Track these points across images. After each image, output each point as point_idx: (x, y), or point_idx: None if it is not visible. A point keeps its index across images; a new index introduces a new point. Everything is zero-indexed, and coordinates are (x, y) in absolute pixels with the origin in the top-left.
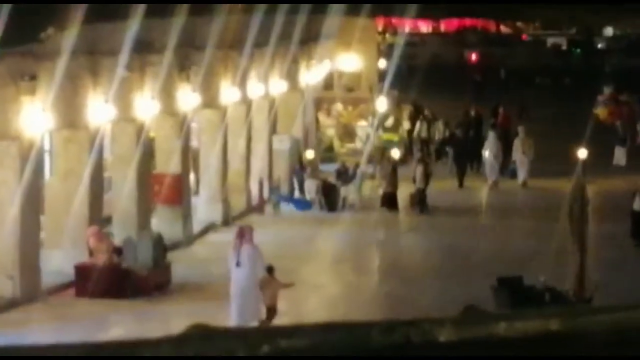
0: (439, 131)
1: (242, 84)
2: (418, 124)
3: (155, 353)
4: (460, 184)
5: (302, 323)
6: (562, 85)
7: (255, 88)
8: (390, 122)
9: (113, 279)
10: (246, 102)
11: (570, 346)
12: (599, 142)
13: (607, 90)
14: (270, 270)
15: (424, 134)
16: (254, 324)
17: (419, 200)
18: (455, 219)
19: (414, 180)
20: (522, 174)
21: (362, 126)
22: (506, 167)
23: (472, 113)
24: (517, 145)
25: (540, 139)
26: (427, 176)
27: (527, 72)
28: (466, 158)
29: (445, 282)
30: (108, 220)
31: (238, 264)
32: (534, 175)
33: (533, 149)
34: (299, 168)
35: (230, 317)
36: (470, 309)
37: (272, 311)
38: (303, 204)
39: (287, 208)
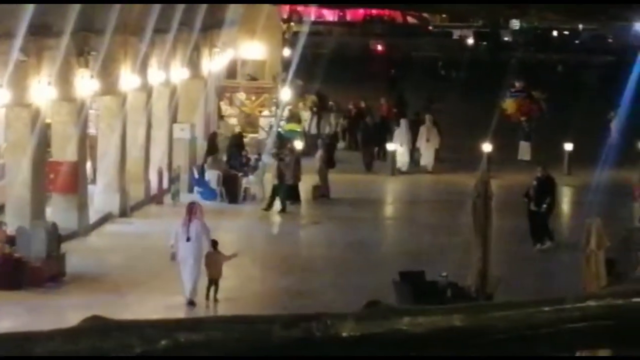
0: (330, 125)
1: (143, 70)
2: (308, 118)
3: (49, 346)
4: (368, 168)
5: (201, 317)
6: (467, 77)
7: (155, 75)
8: (286, 113)
9: (5, 269)
10: (146, 90)
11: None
12: (505, 136)
13: (518, 84)
14: (215, 244)
15: (313, 129)
16: (194, 296)
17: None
18: (359, 211)
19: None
20: (427, 162)
21: (265, 116)
22: (412, 156)
23: (363, 105)
24: (423, 133)
25: (445, 132)
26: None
27: (433, 64)
28: (373, 144)
29: (348, 276)
30: (1, 209)
31: (188, 239)
32: (439, 170)
33: (438, 138)
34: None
35: (184, 289)
36: (373, 304)
37: (216, 284)
38: (209, 193)
39: (187, 199)
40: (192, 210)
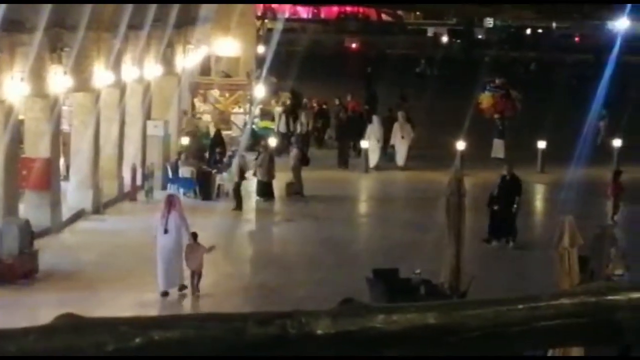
0: (302, 124)
1: (116, 67)
2: (276, 118)
3: (22, 343)
4: (343, 164)
5: (174, 314)
6: (442, 75)
7: (129, 72)
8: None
9: None
10: (120, 86)
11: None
12: (478, 134)
13: (498, 81)
14: (195, 236)
15: (282, 128)
16: (176, 287)
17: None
18: (333, 209)
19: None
20: (400, 158)
21: (239, 113)
22: (385, 152)
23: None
24: (396, 129)
25: (419, 129)
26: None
27: (407, 61)
28: (348, 139)
29: (321, 274)
30: None
31: (166, 231)
32: (413, 166)
33: (411, 134)
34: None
35: (158, 282)
36: (347, 302)
37: (198, 275)
38: (187, 183)
39: (160, 196)
40: (170, 202)
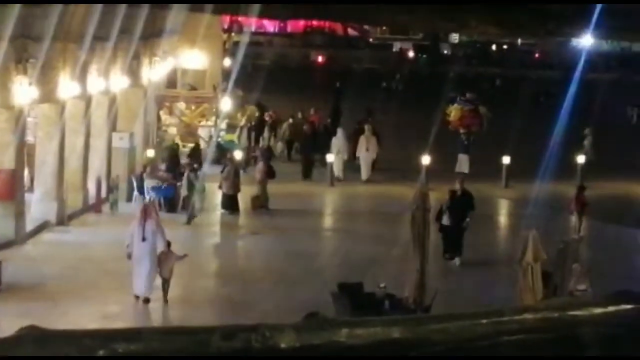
0: (263, 138)
1: (82, 78)
2: (237, 131)
3: None
4: (307, 176)
5: (139, 327)
6: (408, 90)
7: (95, 83)
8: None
9: None
10: (85, 98)
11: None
12: (444, 149)
13: (470, 95)
14: (168, 244)
15: (244, 142)
16: (150, 294)
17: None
18: (298, 222)
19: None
20: (365, 171)
21: (205, 126)
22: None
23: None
24: (362, 142)
25: (385, 143)
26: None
27: (373, 76)
28: (313, 151)
29: (286, 287)
30: None
31: (144, 239)
32: (379, 180)
33: (377, 147)
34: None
35: (134, 287)
36: (312, 315)
37: (168, 283)
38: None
39: (125, 208)
40: (146, 210)
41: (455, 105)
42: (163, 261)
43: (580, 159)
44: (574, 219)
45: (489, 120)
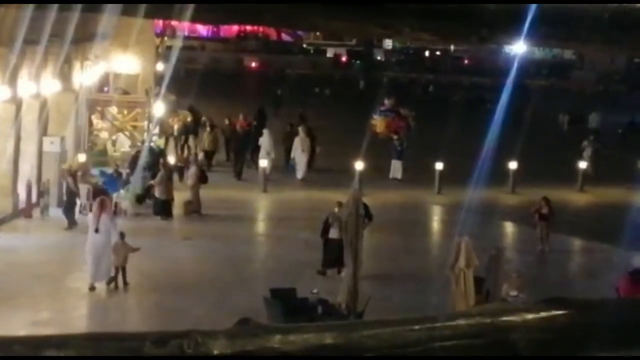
0: (189, 147)
1: (12, 82)
2: (163, 138)
3: None
4: (237, 176)
5: (69, 333)
6: (341, 96)
7: (26, 87)
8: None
9: None
10: (16, 102)
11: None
12: (377, 154)
13: (388, 102)
14: (122, 236)
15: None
16: (103, 281)
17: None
18: (231, 228)
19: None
20: (300, 171)
21: (138, 130)
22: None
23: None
24: (297, 143)
25: (323, 145)
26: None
27: (306, 81)
28: (243, 153)
29: (219, 293)
30: None
31: (97, 230)
32: (312, 182)
33: (310, 148)
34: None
35: (89, 275)
36: (244, 322)
37: (124, 270)
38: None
39: (56, 214)
40: (102, 204)
41: (378, 117)
42: (116, 251)
43: (512, 164)
44: (538, 231)
45: (413, 118)
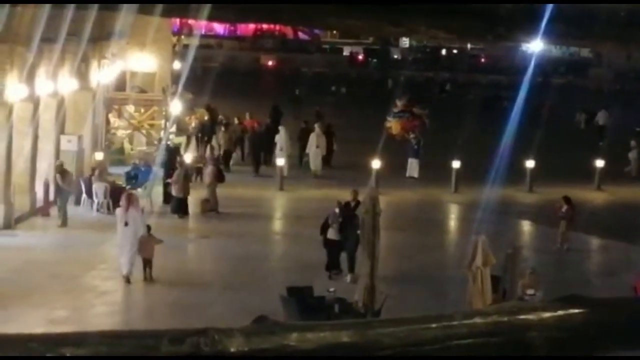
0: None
1: (30, 81)
2: (185, 139)
3: None
4: (256, 172)
5: (86, 331)
6: (358, 94)
7: (43, 86)
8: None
9: None
10: (34, 100)
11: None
12: (394, 153)
13: (400, 103)
14: (149, 229)
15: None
16: (130, 273)
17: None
18: (248, 226)
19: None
20: (315, 166)
21: (155, 129)
22: (300, 161)
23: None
24: (312, 140)
25: (340, 143)
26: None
27: (323, 79)
28: (260, 150)
29: (236, 291)
30: None
31: (126, 224)
32: (329, 177)
33: (328, 145)
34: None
35: (121, 268)
36: (261, 319)
37: (150, 263)
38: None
39: (73, 211)
40: (129, 199)
41: (392, 119)
42: (144, 244)
43: (529, 163)
44: (560, 230)
45: (427, 116)
